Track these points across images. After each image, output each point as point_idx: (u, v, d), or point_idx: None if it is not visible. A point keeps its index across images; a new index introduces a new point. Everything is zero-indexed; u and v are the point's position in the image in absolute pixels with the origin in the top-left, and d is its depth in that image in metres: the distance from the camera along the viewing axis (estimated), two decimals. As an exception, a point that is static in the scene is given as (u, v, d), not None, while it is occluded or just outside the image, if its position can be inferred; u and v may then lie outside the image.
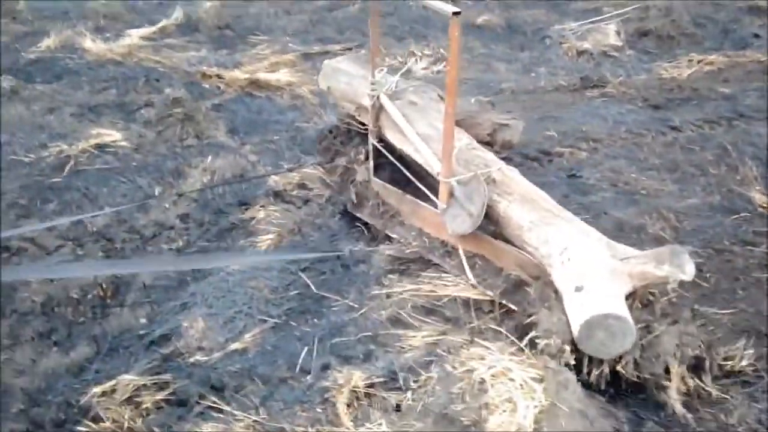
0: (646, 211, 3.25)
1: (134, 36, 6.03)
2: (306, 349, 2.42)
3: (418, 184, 2.97)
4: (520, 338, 2.24)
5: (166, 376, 2.27)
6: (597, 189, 3.49)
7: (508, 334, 2.31)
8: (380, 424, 2.05)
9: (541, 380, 1.77)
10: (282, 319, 2.59)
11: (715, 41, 5.63)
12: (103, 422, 2.08)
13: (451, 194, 2.66)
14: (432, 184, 2.87)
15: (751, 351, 2.30)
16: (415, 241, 2.90)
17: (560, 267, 2.25)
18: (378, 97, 3.13)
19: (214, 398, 2.20)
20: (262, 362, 2.38)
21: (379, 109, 3.17)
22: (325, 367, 2.34)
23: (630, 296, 2.17)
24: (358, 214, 3.18)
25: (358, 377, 2.21)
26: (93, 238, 3.14)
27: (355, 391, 2.16)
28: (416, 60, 5.72)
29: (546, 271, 2.37)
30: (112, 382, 2.22)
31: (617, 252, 2.28)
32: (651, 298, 2.25)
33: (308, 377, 2.31)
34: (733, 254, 2.90)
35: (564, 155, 3.88)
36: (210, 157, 3.83)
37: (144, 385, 2.21)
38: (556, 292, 2.26)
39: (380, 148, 3.20)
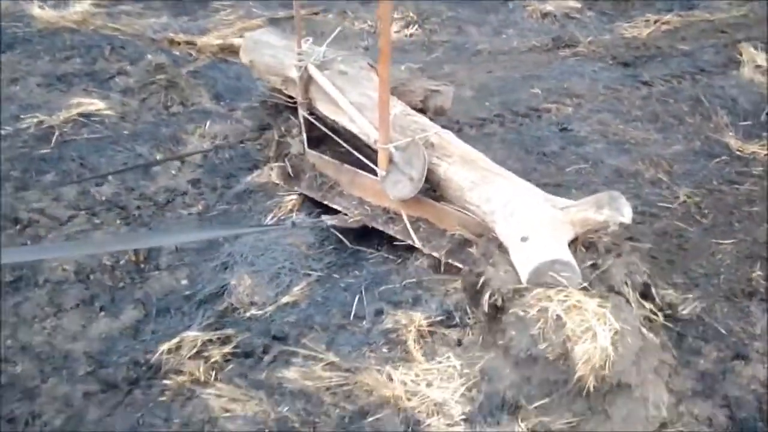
0: (638, 158, 3.50)
1: (85, 3, 5.71)
2: (357, 297, 2.49)
3: (356, 154, 2.92)
4: (472, 296, 2.27)
5: (228, 331, 2.29)
6: (589, 140, 3.71)
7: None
8: (448, 357, 2.17)
9: (605, 306, 1.92)
10: (324, 272, 2.65)
11: (665, 2, 5.98)
12: (182, 376, 2.08)
13: (391, 160, 2.63)
14: (368, 153, 2.84)
15: (761, 273, 2.57)
16: (357, 210, 2.85)
17: (504, 222, 2.28)
18: (306, 68, 3.06)
19: (281, 347, 2.24)
20: (317, 312, 2.44)
21: (307, 81, 3.10)
22: (379, 312, 2.43)
23: (573, 242, 2.21)
24: (295, 188, 3.08)
25: (419, 317, 2.31)
26: (105, 206, 3.04)
27: (419, 330, 2.27)
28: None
29: (489, 227, 2.39)
30: (176, 340, 2.21)
31: (557, 204, 2.33)
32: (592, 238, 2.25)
33: (364, 322, 2.40)
34: (722, 193, 3.19)
35: (552, 111, 4.08)
36: (208, 123, 3.76)
37: (209, 340, 2.22)
38: (500, 246, 2.28)
39: (312, 120, 3.16)
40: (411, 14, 5.75)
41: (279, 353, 2.22)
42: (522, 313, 1.89)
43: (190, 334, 2.23)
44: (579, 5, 5.94)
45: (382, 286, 2.56)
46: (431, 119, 3.03)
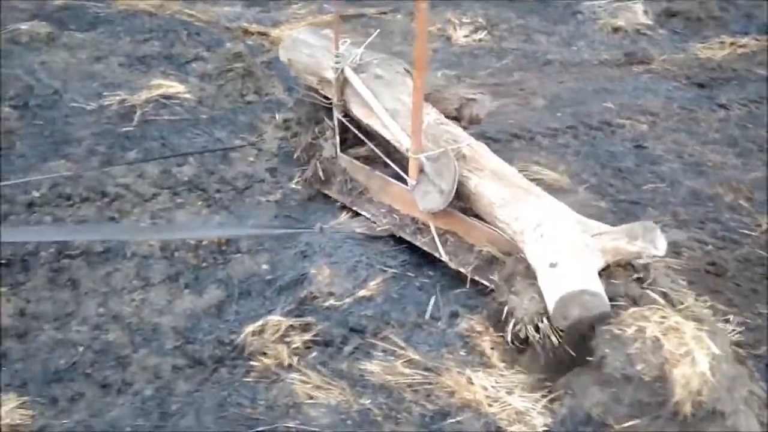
0: (716, 182, 3.43)
1: (164, -13, 5.85)
2: (432, 298, 2.50)
3: (387, 160, 2.90)
4: (497, 317, 2.24)
5: (309, 318, 2.33)
6: (665, 160, 3.65)
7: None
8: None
9: (702, 330, 1.89)
10: (399, 270, 2.67)
11: (740, 25, 5.84)
12: (267, 358, 2.13)
13: (421, 170, 2.60)
14: (400, 159, 2.81)
15: None
16: (386, 218, 2.83)
17: (533, 243, 2.21)
18: (342, 70, 3.05)
19: (359, 339, 2.27)
20: (393, 309, 2.46)
21: (343, 83, 3.08)
22: (454, 315, 2.44)
23: (603, 271, 2.14)
24: (325, 191, 3.09)
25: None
26: (186, 187, 3.12)
27: (493, 339, 2.27)
28: (455, 28, 5.75)
29: (518, 247, 2.32)
30: (260, 322, 2.26)
31: (589, 228, 2.25)
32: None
33: (440, 323, 2.41)
34: (805, 224, 3.11)
35: (625, 127, 4.02)
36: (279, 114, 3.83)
37: (291, 326, 2.26)
38: (528, 267, 2.22)
39: (346, 122, 3.14)
40: (480, 20, 5.74)
41: (358, 345, 2.24)
42: (618, 332, 1.87)
43: (274, 318, 2.28)
44: (650, 22, 5.85)
45: (456, 289, 2.57)
46: (465, 128, 2.98)
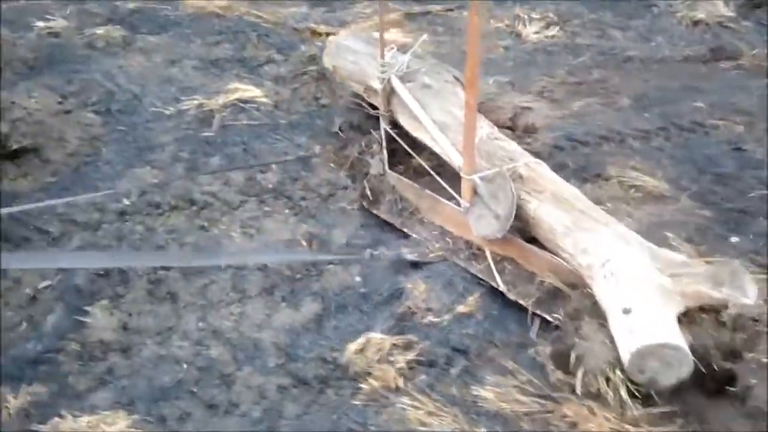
0: (828, 187, 3.17)
1: (230, -11, 5.86)
2: (537, 320, 2.37)
3: (437, 178, 2.73)
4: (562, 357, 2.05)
5: (410, 336, 2.24)
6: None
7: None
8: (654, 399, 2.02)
9: None
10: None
11: (832, 17, 5.45)
12: (373, 379, 2.05)
13: (475, 192, 2.44)
14: (451, 177, 2.63)
15: None
16: (438, 242, 2.66)
17: (603, 281, 2.02)
18: (388, 80, 2.91)
19: (464, 360, 2.18)
20: (495, 327, 2.35)
21: (390, 92, 2.94)
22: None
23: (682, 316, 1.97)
24: (374, 211, 2.90)
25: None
26: (272, 194, 3.08)
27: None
28: (524, 24, 5.56)
29: (584, 280, 2.16)
30: (361, 340, 2.19)
31: (661, 259, 2.08)
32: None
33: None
34: None
35: (720, 128, 3.78)
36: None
37: (394, 345, 2.18)
38: (596, 304, 2.06)
39: (394, 134, 2.97)
40: (551, 15, 5.54)
41: (465, 367, 2.14)
42: (766, 360, 1.73)
43: (375, 336, 2.20)
44: (732, 14, 5.52)
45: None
46: (520, 138, 2.82)
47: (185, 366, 2.14)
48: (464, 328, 2.33)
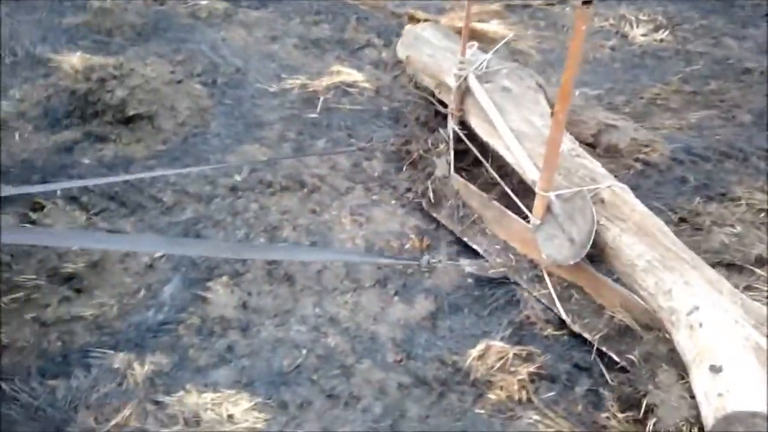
0: None
1: (328, -32, 5.81)
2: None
3: (506, 189, 2.55)
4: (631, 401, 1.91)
5: (530, 347, 2.16)
6: None
7: None
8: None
9: None
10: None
11: None
12: (497, 389, 1.99)
13: (548, 209, 2.26)
14: (521, 188, 2.50)
15: None
16: (500, 257, 2.48)
17: (688, 331, 1.83)
18: (465, 78, 2.72)
19: (588, 379, 2.08)
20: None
21: (464, 92, 2.76)
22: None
23: None
24: (434, 215, 2.75)
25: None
26: (377, 182, 3.03)
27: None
28: (631, 25, 5.32)
29: (661, 323, 1.98)
30: (481, 346, 2.12)
31: (755, 314, 1.88)
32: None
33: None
34: None
35: None
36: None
37: (516, 355, 2.10)
38: (673, 351, 1.90)
39: (462, 135, 2.79)
40: (659, 17, 5.28)
41: (590, 387, 2.05)
42: None
43: (496, 344, 2.13)
44: None
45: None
46: (600, 157, 2.58)
47: (304, 352, 2.12)
48: (586, 345, 2.23)
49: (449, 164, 2.80)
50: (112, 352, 2.07)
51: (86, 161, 3.04)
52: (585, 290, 2.28)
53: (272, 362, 2.09)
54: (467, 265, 2.49)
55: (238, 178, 2.94)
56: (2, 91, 3.48)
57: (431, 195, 2.78)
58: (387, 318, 2.29)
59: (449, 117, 2.96)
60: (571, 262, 2.17)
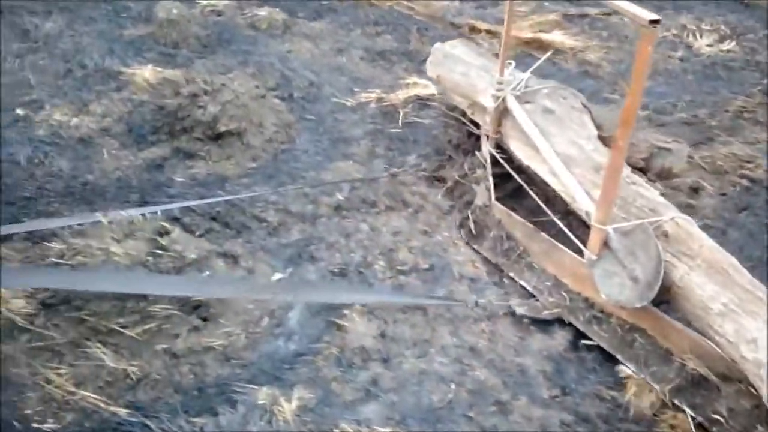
0: None
1: (377, -22, 5.74)
2: None
3: (555, 219, 2.36)
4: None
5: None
6: None
7: None
8: None
9: None
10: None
11: None
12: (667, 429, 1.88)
13: (605, 244, 2.07)
14: (566, 214, 2.35)
15: None
16: (552, 296, 2.29)
17: None
18: (504, 99, 2.57)
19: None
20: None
21: (502, 113, 2.61)
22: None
23: None
24: (475, 247, 2.57)
25: None
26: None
27: None
28: (695, 35, 5.23)
29: (743, 373, 1.80)
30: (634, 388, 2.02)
31: None
32: None
33: None
34: None
35: None
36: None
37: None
38: (759, 407, 1.77)
39: (502, 161, 2.63)
40: (722, 27, 5.20)
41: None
42: None
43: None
44: None
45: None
46: (652, 182, 2.42)
47: (453, 386, 2.01)
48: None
49: (489, 192, 2.61)
50: (252, 386, 1.97)
51: (179, 179, 2.95)
52: (649, 333, 2.08)
53: (421, 397, 1.99)
54: (518, 305, 2.30)
55: (339, 197, 2.85)
56: (84, 107, 3.40)
57: (472, 226, 2.61)
58: (528, 349, 2.19)
59: (483, 139, 2.79)
60: (638, 305, 1.97)
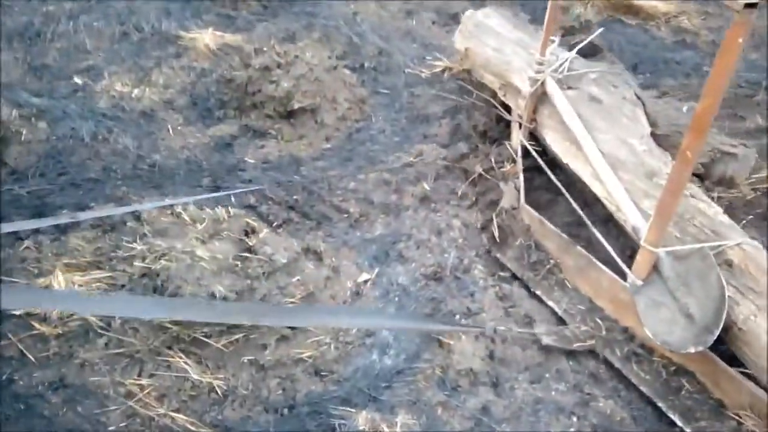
0: None
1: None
2: None
3: (594, 231, 1.97)
4: None
5: None
6: None
7: None
8: None
9: None
10: None
11: None
12: None
13: (655, 267, 1.74)
14: (607, 224, 2.00)
15: None
16: (585, 323, 1.95)
17: None
18: (543, 82, 2.17)
19: None
20: None
21: (540, 98, 2.22)
22: None
23: None
24: (499, 256, 2.21)
25: None
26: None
27: None
28: None
29: None
30: None
31: None
32: None
33: None
34: None
35: None
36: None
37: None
38: None
39: (537, 155, 2.24)
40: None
41: None
42: None
43: None
44: None
45: None
46: (709, 191, 2.04)
47: (575, 419, 1.79)
48: None
49: (519, 192, 2.24)
50: (349, 409, 1.78)
51: (250, 160, 2.73)
52: (698, 379, 1.79)
53: (538, 429, 1.78)
54: (545, 334, 1.97)
55: (426, 186, 2.58)
56: (144, 76, 3.18)
57: (496, 231, 2.23)
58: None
59: (514, 127, 2.42)
60: (692, 350, 1.63)
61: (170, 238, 1.98)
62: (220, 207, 2.18)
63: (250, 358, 1.87)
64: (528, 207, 2.19)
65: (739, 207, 2.54)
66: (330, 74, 3.00)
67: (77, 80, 3.15)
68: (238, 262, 1.91)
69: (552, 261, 2.11)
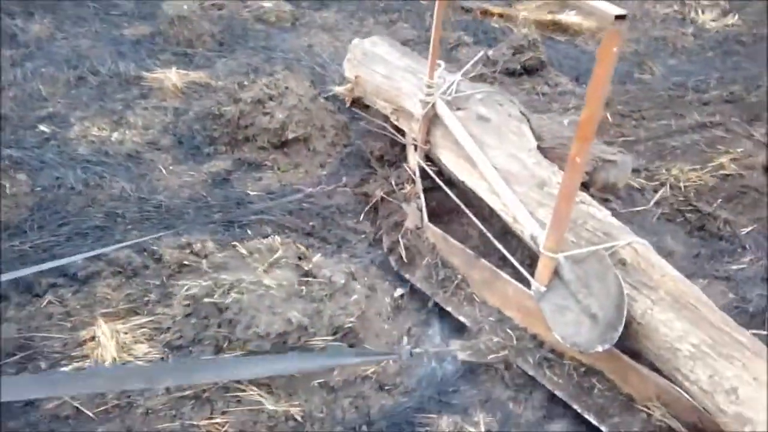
0: None
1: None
2: None
3: (496, 243, 2.02)
4: None
5: None
6: None
7: None
8: None
9: None
10: None
11: None
12: None
13: (556, 273, 1.79)
14: (503, 233, 2.08)
15: None
16: (496, 334, 1.96)
17: None
18: (433, 104, 2.28)
19: None
20: None
21: (431, 120, 2.33)
22: None
23: None
24: (407, 276, 2.23)
25: None
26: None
27: None
28: (696, 11, 5.34)
29: (720, 426, 1.55)
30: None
31: None
32: None
33: None
34: None
35: None
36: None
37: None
38: None
39: (434, 175, 2.33)
40: (720, 1, 5.35)
41: None
42: None
43: None
44: None
45: None
46: (593, 197, 2.13)
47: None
48: None
49: (422, 212, 2.28)
50: (427, 415, 1.83)
51: (252, 192, 2.73)
52: (607, 376, 1.82)
53: None
54: (459, 350, 1.96)
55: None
56: (119, 119, 3.09)
57: (403, 252, 2.26)
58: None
59: (409, 150, 2.50)
60: (600, 349, 1.65)
61: (232, 271, 1.95)
62: (273, 236, 2.16)
63: (320, 381, 1.88)
64: (432, 226, 2.22)
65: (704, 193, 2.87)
66: (314, 103, 3.05)
67: (44, 128, 3.01)
68: (303, 288, 1.92)
69: (459, 276, 2.13)
